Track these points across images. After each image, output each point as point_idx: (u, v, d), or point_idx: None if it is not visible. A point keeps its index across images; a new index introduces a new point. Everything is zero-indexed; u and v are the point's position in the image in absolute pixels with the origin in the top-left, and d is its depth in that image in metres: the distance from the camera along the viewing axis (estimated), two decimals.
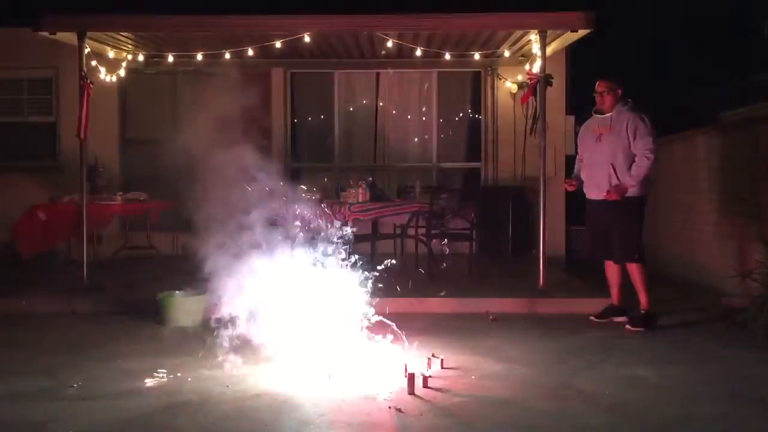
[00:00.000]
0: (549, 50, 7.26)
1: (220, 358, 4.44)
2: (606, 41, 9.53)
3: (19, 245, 6.80)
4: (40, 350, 4.93)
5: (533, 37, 7.14)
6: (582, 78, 9.22)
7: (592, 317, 5.79)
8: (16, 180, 8.65)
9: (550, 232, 6.91)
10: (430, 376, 4.13)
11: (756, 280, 5.42)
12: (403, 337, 4.67)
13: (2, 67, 8.93)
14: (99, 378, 4.25)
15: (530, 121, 8.09)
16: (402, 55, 8.57)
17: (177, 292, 5.85)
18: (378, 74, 9.49)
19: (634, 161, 5.50)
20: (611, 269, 5.77)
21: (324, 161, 9.52)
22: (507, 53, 8.47)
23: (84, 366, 4.49)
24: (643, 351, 4.95)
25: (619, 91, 5.66)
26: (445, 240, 7.13)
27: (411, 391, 3.91)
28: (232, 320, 4.52)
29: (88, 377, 4.25)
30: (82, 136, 6.79)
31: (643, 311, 5.58)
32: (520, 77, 8.91)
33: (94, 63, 7.79)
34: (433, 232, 7.34)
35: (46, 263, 7.40)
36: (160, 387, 4.08)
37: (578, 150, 5.99)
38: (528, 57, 8.16)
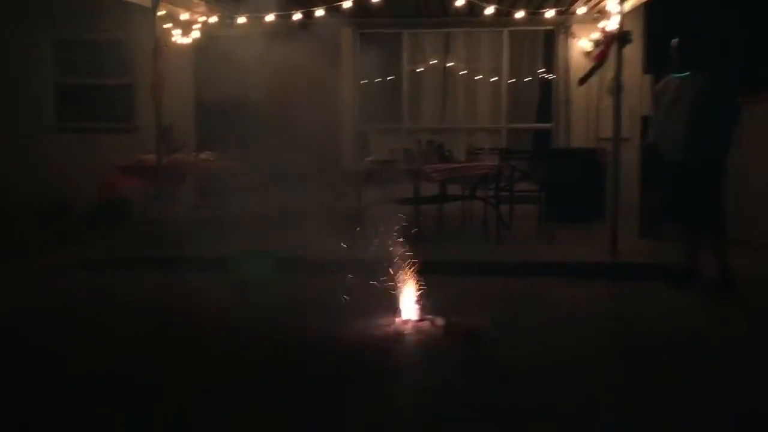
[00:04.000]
0: (627, 6, 6.99)
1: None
2: None
3: (100, 195, 7.14)
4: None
5: None
6: (661, 35, 8.84)
7: (667, 282, 5.63)
8: (95, 141, 8.96)
9: (623, 195, 6.74)
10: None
11: None
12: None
13: (81, 30, 9.20)
14: None
15: (586, 73, 7.79)
16: (472, 14, 8.40)
17: (248, 250, 6.00)
18: (447, 34, 9.34)
19: (716, 122, 5.27)
20: (690, 233, 5.59)
21: (392, 122, 9.49)
22: (582, 10, 8.20)
23: None
24: (721, 318, 4.81)
25: (698, 50, 5.40)
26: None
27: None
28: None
29: None
30: (156, 96, 6.97)
31: (721, 275, 5.40)
32: (594, 35, 8.61)
33: (168, 25, 7.96)
34: (501, 194, 7.25)
35: (120, 222, 7.70)
36: None
37: (655, 111, 5.78)
38: (604, 14, 7.88)
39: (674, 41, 5.51)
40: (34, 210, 8.45)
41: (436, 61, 9.46)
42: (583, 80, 7.79)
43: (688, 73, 5.41)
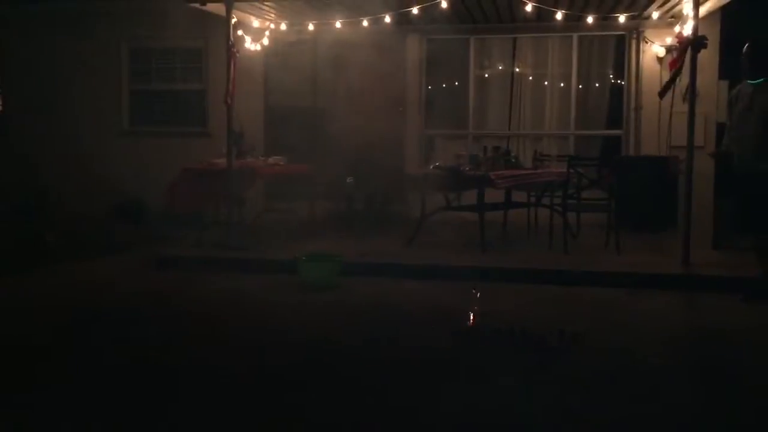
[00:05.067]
0: (703, 10, 6.80)
1: None
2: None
3: (172, 201, 7.36)
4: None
5: None
6: (739, 40, 8.53)
7: (744, 296, 5.41)
8: (169, 144, 9.25)
9: (696, 205, 6.52)
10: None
11: None
12: None
13: (157, 38, 9.52)
14: None
15: (673, 85, 7.56)
16: (541, 19, 8.31)
17: (313, 254, 6.10)
18: (515, 39, 9.25)
19: None
20: (764, 244, 5.37)
21: (458, 128, 9.46)
22: (655, 15, 8.01)
23: None
24: None
25: None
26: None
27: None
28: None
29: None
30: (228, 101, 7.16)
31: None
32: (669, 40, 8.39)
33: (240, 32, 8.17)
34: (568, 202, 7.14)
35: (193, 223, 7.93)
36: None
37: (729, 119, 5.60)
38: (678, 18, 7.67)
39: (746, 47, 5.35)
40: (111, 210, 8.79)
41: (503, 67, 9.39)
42: (663, 92, 7.58)
43: (761, 80, 5.24)
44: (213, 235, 7.18)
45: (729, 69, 8.36)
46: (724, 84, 8.33)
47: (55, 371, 3.76)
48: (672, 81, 7.38)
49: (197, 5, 7.37)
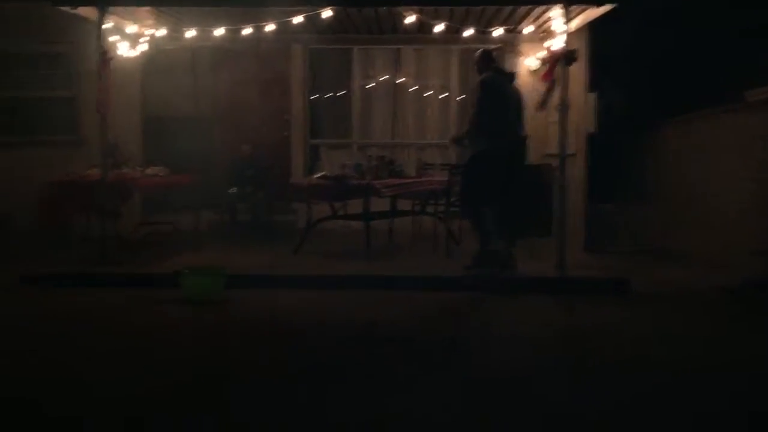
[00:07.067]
0: (572, 26, 7.17)
1: None
2: (629, 17, 9.36)
3: (42, 215, 6.95)
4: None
5: (555, 12, 7.04)
6: (605, 53, 9.08)
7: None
8: (36, 155, 8.70)
9: (570, 211, 6.86)
10: None
11: None
12: None
13: (23, 42, 8.96)
14: None
15: (543, 98, 7.94)
16: (423, 31, 8.49)
17: (197, 269, 5.91)
18: (398, 50, 9.41)
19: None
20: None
21: (343, 138, 9.49)
22: (529, 29, 8.37)
23: None
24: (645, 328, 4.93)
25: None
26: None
27: None
28: None
29: None
30: (101, 110, 6.84)
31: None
32: (541, 54, 8.79)
33: (114, 38, 7.84)
34: (451, 209, 7.32)
35: (62, 239, 7.52)
36: None
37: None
38: (550, 33, 8.05)
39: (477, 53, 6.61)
40: None
41: (386, 77, 9.51)
42: (542, 104, 7.93)
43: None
44: (86, 251, 6.83)
45: (596, 81, 8.91)
46: (593, 95, 8.84)
47: None
48: (548, 93, 7.76)
49: (68, 9, 6.99)
